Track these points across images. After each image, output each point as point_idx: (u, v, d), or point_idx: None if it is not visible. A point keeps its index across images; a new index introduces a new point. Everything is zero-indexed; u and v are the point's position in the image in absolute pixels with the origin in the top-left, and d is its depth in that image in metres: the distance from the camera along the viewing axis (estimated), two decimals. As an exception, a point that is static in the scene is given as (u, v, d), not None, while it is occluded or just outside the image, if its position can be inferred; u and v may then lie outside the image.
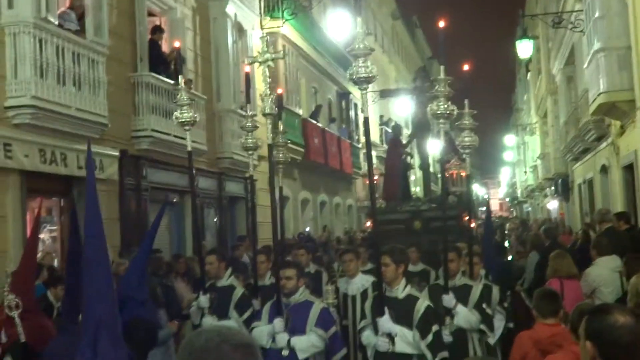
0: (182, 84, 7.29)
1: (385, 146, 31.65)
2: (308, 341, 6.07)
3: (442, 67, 6.30)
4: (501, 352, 7.36)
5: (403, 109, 29.41)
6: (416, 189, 24.34)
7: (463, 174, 11.98)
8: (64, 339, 4.90)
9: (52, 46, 10.25)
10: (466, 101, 7.21)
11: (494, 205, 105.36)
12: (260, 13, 19.27)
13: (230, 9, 16.75)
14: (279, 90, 12.12)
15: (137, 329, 6.51)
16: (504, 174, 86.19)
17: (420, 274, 9.52)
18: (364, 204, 29.71)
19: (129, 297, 6.08)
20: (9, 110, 9.82)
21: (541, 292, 5.62)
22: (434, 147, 14.02)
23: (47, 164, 10.27)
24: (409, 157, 13.99)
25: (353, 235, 19.62)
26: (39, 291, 7.70)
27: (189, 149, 7.39)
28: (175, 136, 13.20)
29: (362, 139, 30.03)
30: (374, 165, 15.66)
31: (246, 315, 7.08)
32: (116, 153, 12.16)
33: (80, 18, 11.61)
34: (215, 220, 16.59)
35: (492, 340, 6.94)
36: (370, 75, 5.35)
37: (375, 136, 31.74)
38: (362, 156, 29.53)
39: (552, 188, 32.50)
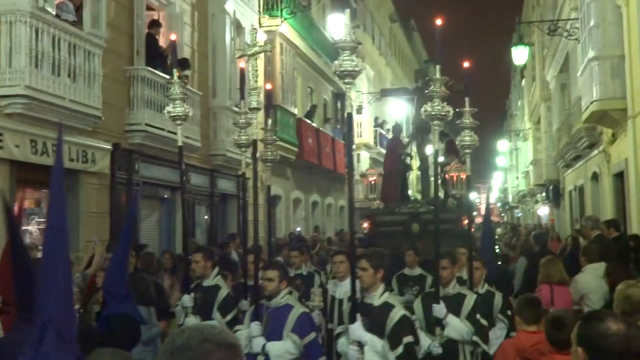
0: (176, 78, 7.14)
1: (379, 148, 31.72)
2: (282, 347, 5.81)
3: (437, 67, 6.10)
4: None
5: (398, 110, 29.43)
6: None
7: (463, 176, 11.87)
8: (15, 336, 4.62)
9: (48, 36, 10.21)
10: (466, 99, 6.93)
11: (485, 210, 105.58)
12: (259, 11, 19.27)
13: (229, 6, 16.73)
14: (268, 86, 11.91)
15: (120, 326, 6.48)
16: (496, 179, 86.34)
17: (416, 278, 9.34)
18: (356, 204, 29.70)
19: (110, 293, 6.03)
20: (1, 99, 9.77)
21: (524, 299, 5.65)
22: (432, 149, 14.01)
23: (38, 155, 10.23)
24: (408, 159, 13.88)
25: (344, 236, 19.61)
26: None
27: (180, 143, 7.23)
28: (169, 131, 13.15)
29: (357, 139, 30.08)
30: (368, 167, 15.39)
31: (229, 316, 6.84)
32: (109, 146, 12.12)
33: (78, 9, 11.57)
34: (206, 217, 16.56)
35: (490, 350, 6.61)
36: (355, 69, 5.19)
37: (369, 138, 31.76)
38: (355, 157, 29.53)
39: (544, 194, 32.60)
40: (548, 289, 7.43)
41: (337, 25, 25.94)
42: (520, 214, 56.20)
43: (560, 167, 25.93)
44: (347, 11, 5.61)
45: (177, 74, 7.20)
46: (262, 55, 20.19)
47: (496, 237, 26.44)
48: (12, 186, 10.10)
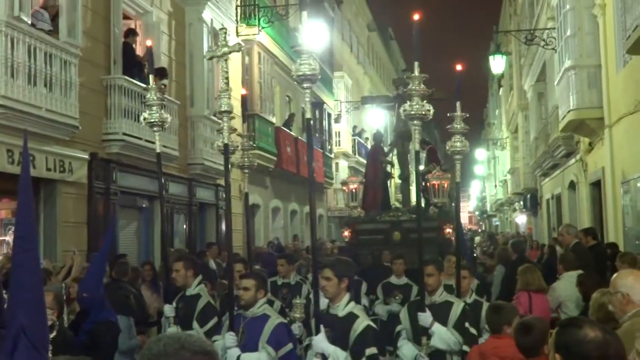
0: (152, 84, 6.97)
1: (357, 157, 31.80)
2: (257, 359, 5.67)
3: (416, 63, 5.85)
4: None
5: (376, 119, 29.53)
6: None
7: (445, 184, 11.81)
8: None
9: (24, 46, 10.12)
10: (458, 104, 6.74)
11: (464, 219, 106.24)
12: (236, 20, 19.26)
13: (206, 15, 16.70)
14: (243, 91, 11.75)
15: (105, 333, 6.45)
16: (474, 188, 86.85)
17: (402, 287, 9.27)
18: (334, 213, 29.74)
19: (89, 301, 5.98)
20: (-23, 109, 9.66)
21: (490, 307, 5.82)
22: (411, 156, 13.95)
23: (15, 165, 10.12)
24: (389, 166, 13.82)
25: (322, 245, 19.59)
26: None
27: (158, 150, 7.04)
28: (147, 140, 13.09)
29: (335, 149, 30.13)
30: (347, 175, 15.21)
31: (208, 326, 6.67)
32: (86, 156, 12.02)
33: (54, 18, 11.49)
34: (184, 226, 16.48)
35: None
36: (313, 73, 5.09)
37: (348, 146, 31.83)
38: (334, 166, 29.58)
39: (521, 203, 32.84)
40: (526, 297, 7.47)
41: (314, 34, 26.03)
42: (498, 223, 56.54)
43: (538, 176, 26.13)
44: (304, 13, 5.51)
45: (154, 82, 7.04)
46: (239, 63, 20.22)
47: (474, 245, 26.58)
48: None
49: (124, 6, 13.85)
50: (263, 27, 19.73)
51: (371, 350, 5.02)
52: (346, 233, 12.84)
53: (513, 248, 12.57)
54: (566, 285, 8.13)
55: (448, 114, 6.65)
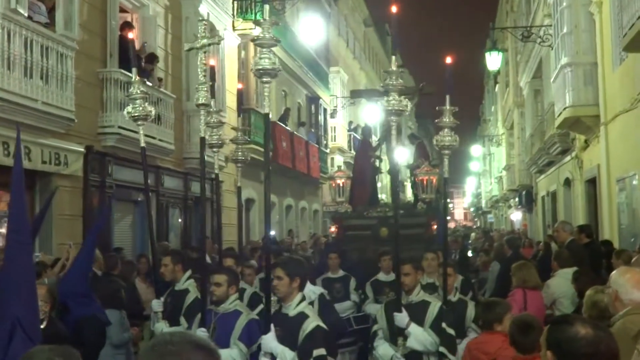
0: (136, 77, 6.89)
1: (353, 152, 31.78)
2: (228, 356, 5.53)
3: (393, 58, 5.74)
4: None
5: (372, 115, 29.54)
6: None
7: (433, 180, 11.68)
8: None
9: (20, 38, 10.11)
10: (447, 97, 6.58)
11: (458, 215, 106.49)
12: (233, 14, 19.24)
13: (203, 9, 16.68)
14: (239, 86, 11.66)
15: (89, 328, 6.43)
16: (470, 184, 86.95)
17: (392, 284, 8.65)
18: (329, 208, 29.77)
19: (72, 296, 5.96)
20: (-27, 101, 9.66)
21: (483, 303, 5.90)
22: (402, 153, 13.88)
23: (10, 157, 10.10)
24: (377, 161, 13.64)
25: (317, 240, 19.64)
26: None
27: (142, 144, 7.01)
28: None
29: (331, 144, 30.14)
30: (341, 168, 14.95)
31: (193, 322, 6.41)
32: (81, 149, 12.02)
33: (50, 11, 11.47)
34: (180, 220, 16.48)
35: None
36: (273, 67, 4.99)
37: (343, 142, 31.84)
38: (329, 161, 29.59)
39: (517, 199, 32.89)
40: (521, 294, 7.48)
41: (310, 29, 26.03)
42: (493, 219, 56.61)
43: (533, 173, 26.17)
44: (267, 7, 5.44)
45: (137, 76, 6.96)
46: (235, 58, 20.19)
47: (469, 241, 26.64)
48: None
49: (120, -1, 13.84)
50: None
51: (319, 352, 4.90)
52: (333, 229, 12.65)
53: (508, 244, 12.60)
54: (561, 282, 8.15)
55: (437, 108, 6.57)
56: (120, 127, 12.77)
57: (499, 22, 35.44)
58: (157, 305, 6.79)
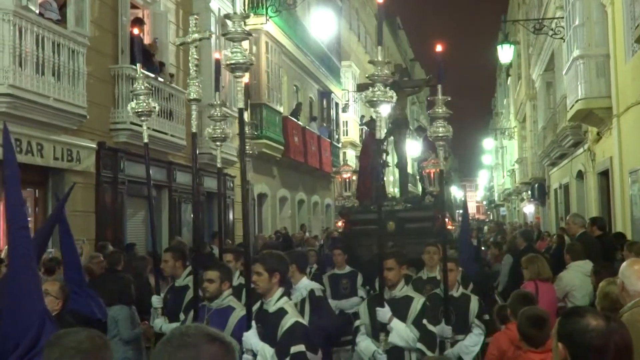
0: (140, 72, 6.80)
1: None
2: None
3: (379, 48, 5.56)
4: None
5: (384, 110, 29.47)
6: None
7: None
8: None
9: (32, 35, 10.16)
10: (439, 87, 6.36)
11: (471, 208, 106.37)
12: (244, 9, 19.24)
13: (214, 5, 16.70)
14: (245, 80, 11.54)
15: (70, 323, 6.35)
16: (482, 177, 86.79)
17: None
18: (341, 202, 29.78)
19: (72, 290, 5.90)
20: (-15, 98, 9.71)
21: (520, 295, 5.70)
22: (412, 146, 13.68)
23: (23, 154, 10.18)
24: (384, 155, 13.48)
25: (330, 235, 19.65)
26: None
27: (145, 140, 6.97)
28: (155, 130, 13.14)
29: (343, 138, 30.13)
30: (348, 162, 14.57)
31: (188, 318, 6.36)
32: (94, 145, 12.08)
33: (62, 7, 11.53)
34: (192, 215, 16.53)
35: (468, 357, 6.43)
36: (246, 61, 4.84)
37: (355, 136, 31.82)
38: (341, 155, 29.59)
39: (529, 192, 32.77)
40: (533, 286, 7.46)
41: (321, 23, 26.00)
42: (505, 212, 56.48)
43: (546, 166, 26.08)
44: (237, 0, 5.36)
45: (140, 67, 6.87)
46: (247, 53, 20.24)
47: (482, 235, 26.51)
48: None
49: (131, -5, 13.88)
50: (270, 17, 19.71)
51: (297, 348, 4.75)
52: (340, 223, 12.53)
53: (523, 237, 12.55)
54: (573, 275, 8.13)
55: (428, 98, 6.42)
56: (132, 123, 12.81)
57: (511, 14, 35.28)
58: (157, 301, 6.80)
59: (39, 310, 3.92)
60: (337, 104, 29.83)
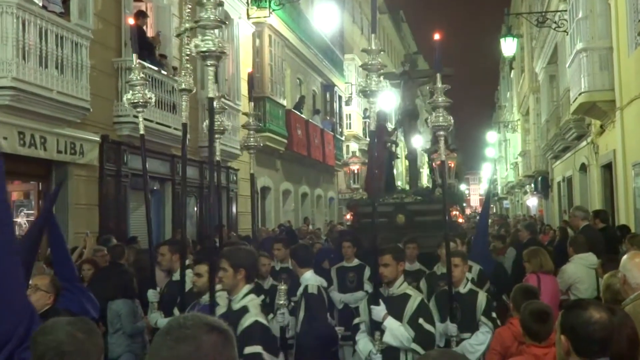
0: (136, 63, 6.71)
1: (368, 139, 31.76)
2: None
3: (372, 35, 5.45)
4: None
5: (387, 103, 29.47)
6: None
7: (451, 164, 11.43)
8: None
9: (35, 28, 10.16)
10: (438, 76, 6.15)
11: (474, 201, 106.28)
12: (247, 2, 19.23)
13: (216, -3, 16.67)
14: (248, 70, 11.39)
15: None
16: (485, 170, 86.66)
17: (415, 274, 8.39)
18: (345, 196, 29.80)
19: (63, 287, 5.82)
20: (-11, 91, 9.72)
21: (522, 289, 5.65)
22: (419, 138, 13.53)
23: (26, 147, 10.20)
24: (394, 146, 13.27)
25: (334, 228, 19.65)
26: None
27: (142, 131, 6.89)
28: (158, 123, 13.16)
29: (346, 131, 30.12)
30: (356, 154, 14.47)
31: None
32: (97, 138, 12.09)
33: (65, 0, 11.51)
34: (195, 209, 16.56)
35: (473, 357, 6.08)
36: (219, 48, 4.69)
37: (358, 129, 31.82)
38: (345, 148, 29.59)
39: (532, 185, 32.78)
40: (535, 279, 7.46)
41: (324, 16, 25.97)
42: (508, 205, 56.46)
43: (549, 159, 26.06)
44: None
45: (136, 60, 6.79)
46: (250, 46, 20.15)
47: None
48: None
49: (134, -12, 13.86)
50: (274, 10, 19.71)
51: (252, 349, 4.41)
52: (348, 216, 12.30)
53: (526, 229, 12.54)
54: (576, 267, 8.13)
55: (427, 87, 6.33)
56: (135, 116, 12.77)
57: (514, 7, 35.17)
58: (152, 295, 6.70)
59: (25, 306, 3.89)
60: (340, 97, 29.81)
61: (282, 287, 6.35)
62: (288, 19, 21.94)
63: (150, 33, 14.56)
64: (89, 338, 2.71)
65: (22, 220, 11.86)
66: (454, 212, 11.57)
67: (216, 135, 7.29)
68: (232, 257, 4.86)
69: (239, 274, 4.80)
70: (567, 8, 15.87)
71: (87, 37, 11.50)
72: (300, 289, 6.50)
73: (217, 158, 7.72)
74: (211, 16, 4.70)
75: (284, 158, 22.23)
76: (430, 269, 8.32)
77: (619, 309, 3.65)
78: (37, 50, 10.20)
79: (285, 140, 21.07)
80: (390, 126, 15.09)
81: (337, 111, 29.44)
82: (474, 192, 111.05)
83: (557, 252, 10.28)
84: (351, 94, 31.28)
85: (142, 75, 6.67)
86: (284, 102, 21.30)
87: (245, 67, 18.37)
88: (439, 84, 6.13)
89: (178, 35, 6.60)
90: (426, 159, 18.97)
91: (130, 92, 6.63)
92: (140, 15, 14.07)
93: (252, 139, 8.09)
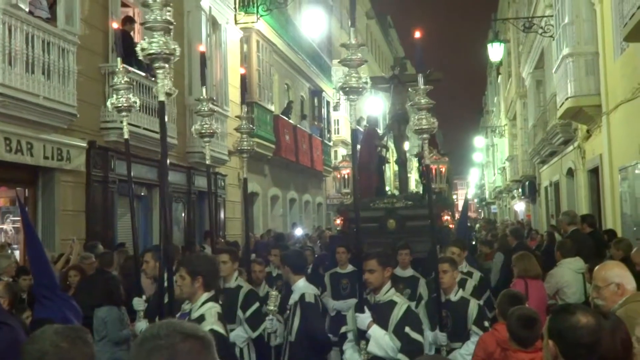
0: (120, 66, 6.56)
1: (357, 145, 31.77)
2: None
3: (352, 30, 5.36)
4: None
5: (375, 108, 29.52)
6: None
7: (443, 169, 11.42)
8: None
9: (21, 34, 10.11)
10: (420, 76, 5.92)
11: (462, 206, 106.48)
12: (235, 8, 19.22)
13: (205, 3, 16.67)
14: (241, 70, 11.31)
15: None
16: (473, 175, 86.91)
17: (408, 280, 8.40)
18: (333, 201, 29.79)
19: (41, 295, 5.71)
20: (-25, 97, 9.66)
21: (507, 295, 5.65)
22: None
23: (13, 153, 10.14)
24: (384, 150, 13.16)
25: (322, 233, 19.64)
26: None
27: (126, 136, 6.74)
28: (145, 129, 13.11)
29: (334, 137, 30.12)
30: (345, 160, 14.37)
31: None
32: (84, 144, 12.03)
33: (52, 6, 11.46)
34: (183, 214, 16.51)
35: None
36: (166, 51, 4.55)
37: (347, 134, 31.81)
38: (333, 154, 29.59)
39: (520, 190, 32.87)
40: (523, 283, 7.48)
41: (312, 21, 25.99)
42: (496, 210, 56.62)
43: (536, 163, 26.16)
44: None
45: (122, 65, 6.68)
46: (238, 51, 20.14)
47: (474, 232, 26.53)
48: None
49: (122, -7, 13.81)
50: (261, 15, 19.70)
51: None
52: (338, 221, 12.10)
53: (513, 235, 12.58)
54: (564, 272, 8.17)
55: (409, 89, 6.16)
56: (122, 122, 12.74)
57: (501, 13, 35.37)
58: (138, 303, 6.57)
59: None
60: (328, 102, 29.83)
61: (274, 292, 6.30)
62: (276, 25, 21.94)
63: (138, 39, 14.51)
64: (74, 347, 2.69)
65: (9, 227, 11.79)
66: (446, 217, 11.51)
67: (205, 139, 7.19)
68: (189, 264, 4.81)
69: (196, 282, 4.74)
70: (554, 13, 15.96)
71: (74, 43, 11.46)
72: (295, 297, 6.29)
73: (207, 162, 7.59)
74: (158, 17, 4.54)
75: (272, 164, 22.21)
76: (421, 274, 8.31)
77: (612, 313, 3.65)
78: (24, 55, 10.15)
79: (274, 146, 21.05)
80: (379, 131, 15.09)
81: (325, 116, 29.46)
82: (462, 197, 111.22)
83: (544, 257, 10.32)
84: (339, 99, 31.29)
85: (126, 79, 6.52)
86: (272, 108, 21.28)
87: (234, 72, 18.36)
88: (422, 85, 5.94)
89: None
90: (415, 163, 18.94)
91: (115, 96, 6.49)
92: (128, 20, 14.04)
93: (245, 142, 7.92)
